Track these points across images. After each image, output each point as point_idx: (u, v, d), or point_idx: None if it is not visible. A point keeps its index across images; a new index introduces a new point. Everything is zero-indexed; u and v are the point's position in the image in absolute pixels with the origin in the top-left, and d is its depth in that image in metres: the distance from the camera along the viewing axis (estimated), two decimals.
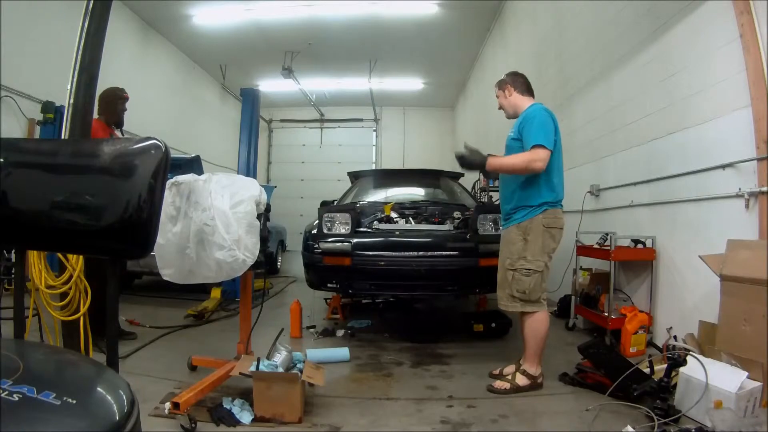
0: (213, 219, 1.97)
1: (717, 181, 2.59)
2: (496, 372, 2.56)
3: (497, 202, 2.71)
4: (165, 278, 2.12)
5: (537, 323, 2.41)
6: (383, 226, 3.42)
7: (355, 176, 5.28)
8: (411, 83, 10.41)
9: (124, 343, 3.00)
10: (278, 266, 7.04)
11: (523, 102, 2.58)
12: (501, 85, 2.66)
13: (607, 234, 3.33)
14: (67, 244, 1.09)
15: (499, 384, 2.41)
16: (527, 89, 2.63)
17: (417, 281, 3.16)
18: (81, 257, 1.98)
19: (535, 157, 2.31)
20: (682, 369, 2.05)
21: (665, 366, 2.10)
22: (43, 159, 1.09)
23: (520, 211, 2.44)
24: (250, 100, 5.26)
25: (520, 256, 2.40)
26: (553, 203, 2.45)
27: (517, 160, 2.37)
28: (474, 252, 3.12)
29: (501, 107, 2.69)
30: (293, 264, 6.49)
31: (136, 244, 0.94)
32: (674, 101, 2.97)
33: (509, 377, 2.43)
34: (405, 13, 7.05)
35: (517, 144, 2.46)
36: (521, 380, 2.39)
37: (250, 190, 2.14)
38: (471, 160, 2.44)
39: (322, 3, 6.83)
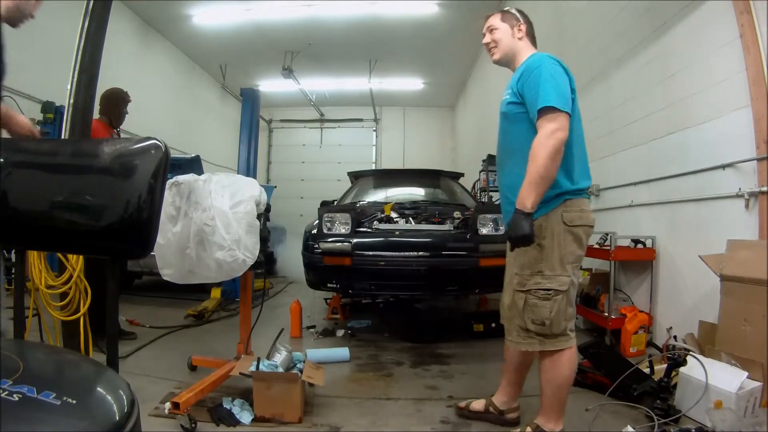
0: (213, 219, 1.97)
1: (717, 181, 2.59)
2: (463, 405, 2.08)
3: (497, 202, 2.55)
4: (165, 278, 2.12)
5: (559, 367, 1.71)
6: (383, 226, 3.42)
7: (355, 176, 5.28)
8: (411, 83, 10.39)
9: (124, 343, 3.00)
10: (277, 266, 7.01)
11: (525, 51, 1.86)
12: (510, 18, 1.90)
13: (607, 234, 3.33)
14: (67, 244, 1.10)
15: None
16: (534, 42, 1.93)
17: (417, 281, 3.16)
18: (81, 257, 1.98)
19: (550, 129, 1.59)
20: (682, 369, 2.06)
21: (665, 366, 2.10)
22: (43, 159, 1.09)
23: None
24: (250, 100, 5.27)
25: (534, 271, 1.71)
26: (576, 192, 1.75)
27: (535, 154, 1.60)
28: (474, 252, 3.12)
29: (492, 43, 1.91)
30: (287, 262, 6.36)
31: (136, 244, 0.94)
32: (674, 101, 2.97)
33: None
34: (405, 13, 7.04)
35: (515, 109, 1.75)
36: None
37: (250, 190, 2.14)
38: (517, 231, 1.61)
39: (322, 3, 6.82)
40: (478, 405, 2.05)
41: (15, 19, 1.75)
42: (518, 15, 1.91)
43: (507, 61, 1.90)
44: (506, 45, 1.89)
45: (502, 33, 1.89)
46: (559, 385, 1.73)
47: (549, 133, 1.58)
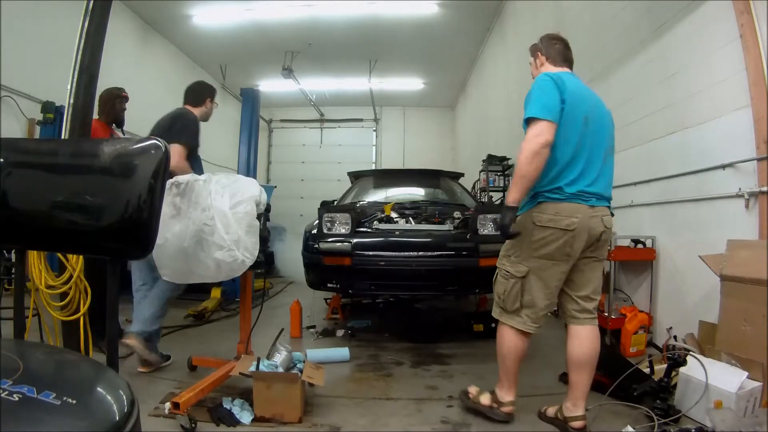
0: (212, 219, 1.97)
1: (717, 181, 2.59)
2: (543, 410, 2.09)
3: (497, 202, 2.63)
4: (164, 278, 2.12)
5: (501, 339, 2.03)
6: (383, 226, 3.42)
7: (355, 176, 5.28)
8: (411, 83, 10.39)
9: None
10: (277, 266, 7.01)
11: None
12: (533, 51, 2.14)
13: None
14: (67, 244, 1.10)
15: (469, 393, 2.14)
16: (563, 58, 2.06)
17: (417, 281, 3.16)
18: (81, 257, 1.98)
19: (530, 135, 1.78)
20: (682, 369, 2.06)
21: (665, 366, 2.10)
22: (43, 159, 1.09)
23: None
24: (250, 100, 5.28)
25: (506, 254, 2.03)
26: (550, 194, 1.85)
27: (517, 157, 1.81)
28: (474, 252, 3.12)
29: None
30: (287, 262, 6.28)
31: (136, 244, 0.94)
32: (674, 101, 2.97)
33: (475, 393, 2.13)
34: (405, 13, 7.04)
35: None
36: (484, 399, 2.08)
37: (250, 190, 2.14)
38: (500, 222, 1.87)
39: (322, 3, 6.82)
40: (551, 410, 2.04)
41: (203, 120, 2.77)
42: (539, 43, 2.14)
43: None
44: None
45: (532, 68, 2.17)
46: (503, 355, 2.02)
47: (528, 139, 1.80)
